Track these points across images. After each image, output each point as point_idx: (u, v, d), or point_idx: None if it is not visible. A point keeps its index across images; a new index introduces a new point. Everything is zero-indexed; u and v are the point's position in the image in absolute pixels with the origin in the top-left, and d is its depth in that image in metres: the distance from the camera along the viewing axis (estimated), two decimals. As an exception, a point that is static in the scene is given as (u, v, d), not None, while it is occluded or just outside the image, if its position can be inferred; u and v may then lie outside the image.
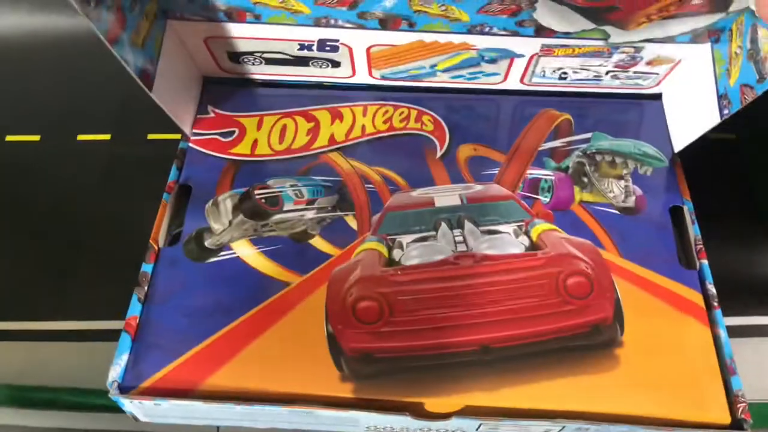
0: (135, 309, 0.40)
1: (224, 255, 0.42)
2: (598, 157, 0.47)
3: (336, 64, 0.49)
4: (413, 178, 0.46)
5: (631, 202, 0.45)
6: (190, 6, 0.44)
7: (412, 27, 0.45)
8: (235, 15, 0.45)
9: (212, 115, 0.49)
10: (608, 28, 0.44)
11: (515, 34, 0.45)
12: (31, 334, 0.48)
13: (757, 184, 0.54)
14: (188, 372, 0.38)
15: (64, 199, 0.53)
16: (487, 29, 0.45)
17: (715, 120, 0.43)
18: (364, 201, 0.45)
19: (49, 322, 0.48)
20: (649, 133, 0.49)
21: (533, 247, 0.42)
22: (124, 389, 0.38)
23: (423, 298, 0.40)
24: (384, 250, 0.42)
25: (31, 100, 0.59)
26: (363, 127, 0.48)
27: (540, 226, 0.43)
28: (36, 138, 0.57)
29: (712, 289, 0.42)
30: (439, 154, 0.47)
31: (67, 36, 0.62)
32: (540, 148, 0.47)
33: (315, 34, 0.46)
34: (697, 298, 0.41)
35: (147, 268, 0.42)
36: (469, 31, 0.45)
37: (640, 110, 0.50)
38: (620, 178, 0.46)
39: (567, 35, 0.45)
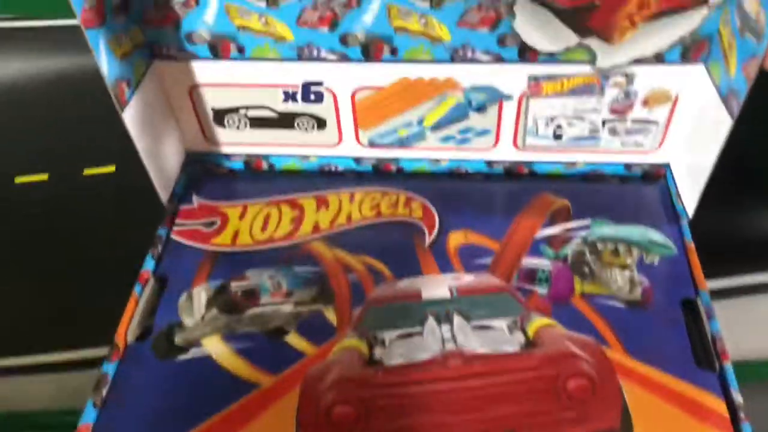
0: (89, 416, 0.37)
1: (193, 353, 0.39)
2: (600, 245, 0.44)
3: (321, 124, 0.48)
4: (399, 268, 0.43)
5: (637, 294, 0.41)
6: (176, 38, 0.44)
7: (394, 55, 0.44)
8: (219, 47, 0.44)
9: (195, 205, 0.48)
10: (593, 44, 0.42)
11: (499, 59, 0.43)
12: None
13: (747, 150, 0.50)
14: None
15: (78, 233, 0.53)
16: (470, 54, 0.43)
17: (724, 133, 0.40)
18: (346, 293, 0.42)
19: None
20: (654, 218, 0.45)
21: (530, 344, 0.38)
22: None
23: (406, 403, 0.36)
24: (364, 348, 0.38)
25: (37, 140, 0.59)
26: (349, 215, 0.46)
27: (537, 322, 0.40)
28: (44, 177, 0.57)
29: (738, 398, 0.36)
30: (428, 242, 0.44)
31: (67, 76, 0.63)
32: (536, 236, 0.45)
33: (299, 73, 0.45)
34: (719, 405, 0.36)
35: (108, 368, 0.39)
36: (452, 58, 0.43)
37: (643, 192, 0.47)
38: (624, 267, 0.43)
39: (552, 58, 0.43)
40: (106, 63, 0.40)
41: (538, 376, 0.36)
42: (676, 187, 0.47)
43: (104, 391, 0.38)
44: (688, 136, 0.46)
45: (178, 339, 0.40)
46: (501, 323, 0.39)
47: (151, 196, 0.48)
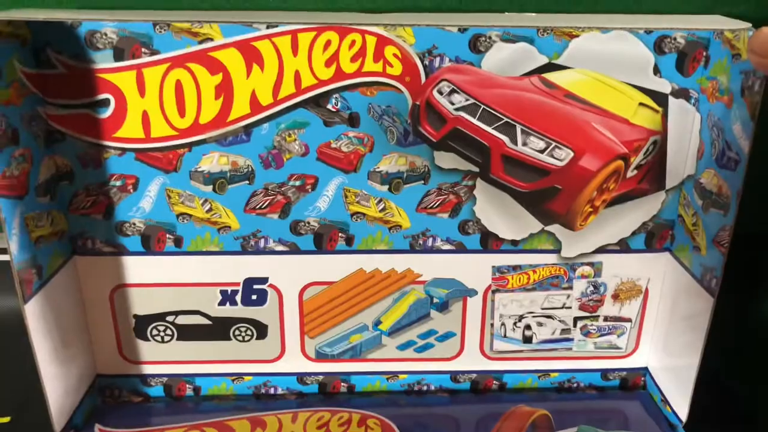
0: None
1: None
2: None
3: (262, 333, 0.42)
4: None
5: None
6: (104, 228, 0.40)
7: (349, 244, 0.40)
8: (153, 239, 0.40)
9: (95, 432, 0.38)
10: (556, 230, 0.40)
11: (461, 247, 0.41)
12: None
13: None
14: None
15: None
16: (430, 242, 0.40)
17: (707, 317, 0.37)
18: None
19: None
20: (645, 427, 0.40)
21: None
22: None
23: None
24: None
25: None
26: (292, 434, 0.38)
27: None
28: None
29: None
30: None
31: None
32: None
33: (242, 268, 0.41)
34: None
35: None
36: (412, 247, 0.40)
37: (624, 404, 0.43)
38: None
39: (516, 247, 0.41)
40: (16, 241, 0.34)
41: None
42: (662, 394, 0.42)
43: None
44: (664, 335, 0.42)
45: None
46: None
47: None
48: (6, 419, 0.44)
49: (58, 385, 0.38)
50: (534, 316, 0.43)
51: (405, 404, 0.42)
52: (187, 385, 0.43)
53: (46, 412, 0.37)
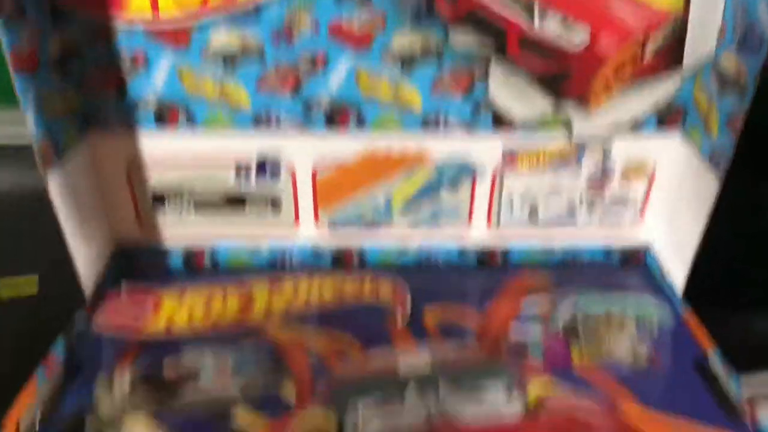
0: None
1: (110, 441, 0.30)
2: (592, 320, 0.39)
3: (276, 205, 0.43)
4: (370, 345, 0.36)
5: (642, 358, 0.36)
6: (117, 105, 0.40)
7: (361, 124, 0.40)
8: (166, 115, 0.40)
9: (124, 288, 0.41)
10: (569, 110, 0.40)
11: (473, 127, 0.41)
12: None
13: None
14: None
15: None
16: (442, 122, 0.40)
17: (710, 198, 0.38)
18: (305, 369, 0.34)
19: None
20: (643, 288, 0.43)
21: (530, 411, 0.31)
22: None
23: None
24: (332, 424, 0.31)
25: None
26: (307, 298, 0.40)
27: (538, 385, 0.33)
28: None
29: None
30: (401, 319, 0.38)
31: None
32: (521, 311, 0.39)
33: (255, 145, 0.41)
34: None
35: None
36: (423, 127, 0.41)
37: (625, 276, 0.44)
38: (622, 333, 0.38)
39: (527, 128, 0.41)
40: (33, 116, 0.35)
41: None
42: (661, 269, 0.44)
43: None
44: (669, 212, 0.43)
45: (91, 424, 0.31)
46: (496, 384, 0.33)
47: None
48: (32, 283, 0.47)
49: (83, 254, 0.40)
50: (541, 193, 0.44)
51: (415, 272, 0.44)
52: (206, 257, 0.45)
53: (74, 279, 0.39)
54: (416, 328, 0.38)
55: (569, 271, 0.44)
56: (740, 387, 0.34)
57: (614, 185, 0.44)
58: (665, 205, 0.44)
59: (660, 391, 0.34)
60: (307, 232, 0.44)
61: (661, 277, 0.43)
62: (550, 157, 0.43)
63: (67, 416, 0.32)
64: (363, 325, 0.38)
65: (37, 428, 0.31)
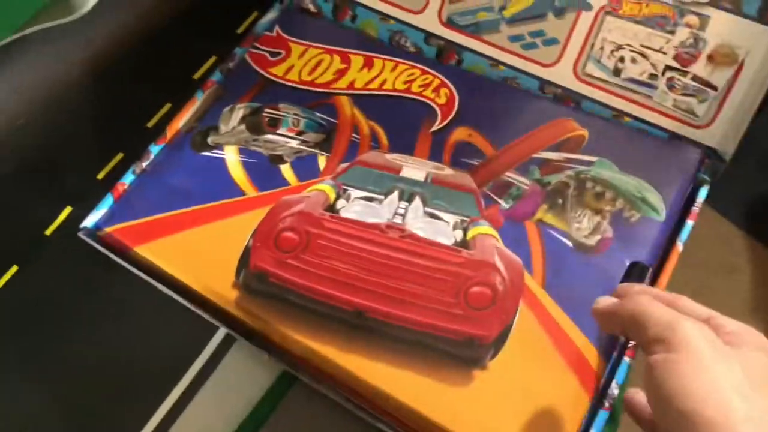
0: (128, 178, 0.47)
1: (215, 153, 0.48)
2: (589, 185, 0.45)
3: None
4: (397, 143, 0.47)
5: (593, 240, 0.43)
6: None
7: None
8: None
9: (274, 34, 0.55)
10: None
11: None
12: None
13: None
14: (135, 233, 0.44)
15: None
16: None
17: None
18: (343, 149, 0.48)
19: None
20: (664, 181, 0.45)
21: (464, 244, 0.42)
22: (90, 233, 0.46)
23: (338, 250, 0.42)
24: (332, 196, 0.45)
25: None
26: (383, 82, 0.51)
27: (480, 228, 0.43)
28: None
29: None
30: (434, 128, 0.48)
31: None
32: (534, 155, 0.46)
33: None
34: (599, 365, 0.39)
35: (154, 149, 0.49)
36: None
37: (667, 153, 0.46)
38: (598, 212, 0.44)
39: None
40: None
41: (452, 272, 0.41)
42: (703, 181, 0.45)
43: (144, 164, 0.48)
44: (745, 112, 0.43)
45: (210, 140, 0.49)
46: (450, 218, 0.43)
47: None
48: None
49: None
50: (631, 50, 0.45)
51: (488, 88, 0.51)
52: (348, 11, 0.55)
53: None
54: (439, 140, 0.47)
55: (618, 138, 0.47)
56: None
57: (699, 65, 0.43)
58: (743, 106, 0.43)
59: (576, 274, 0.41)
60: (429, 19, 0.52)
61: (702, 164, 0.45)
62: (651, 11, 0.43)
63: (203, 128, 0.50)
64: (406, 118, 0.48)
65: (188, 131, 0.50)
